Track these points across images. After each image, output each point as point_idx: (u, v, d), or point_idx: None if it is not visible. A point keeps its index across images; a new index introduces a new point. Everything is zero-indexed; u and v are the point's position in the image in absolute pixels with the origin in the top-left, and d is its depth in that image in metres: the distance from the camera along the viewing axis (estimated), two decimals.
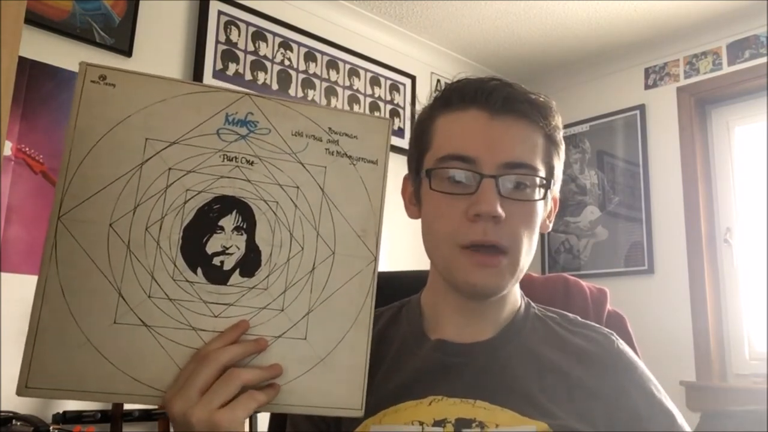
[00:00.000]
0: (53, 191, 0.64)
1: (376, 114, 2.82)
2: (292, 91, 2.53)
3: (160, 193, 0.64)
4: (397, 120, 2.90)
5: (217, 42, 2.32)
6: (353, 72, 2.76)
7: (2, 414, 1.59)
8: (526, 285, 0.91)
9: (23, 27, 0.53)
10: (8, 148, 1.79)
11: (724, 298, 2.72)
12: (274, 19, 2.50)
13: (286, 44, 2.54)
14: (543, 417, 0.70)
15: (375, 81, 2.84)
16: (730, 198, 2.77)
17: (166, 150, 0.65)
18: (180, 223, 0.64)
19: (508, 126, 0.74)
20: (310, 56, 2.60)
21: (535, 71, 3.26)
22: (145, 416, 1.83)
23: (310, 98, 2.56)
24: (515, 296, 0.81)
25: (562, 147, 0.80)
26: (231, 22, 2.37)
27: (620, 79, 3.11)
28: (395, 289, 0.91)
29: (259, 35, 2.46)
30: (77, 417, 1.69)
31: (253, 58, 2.43)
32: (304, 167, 0.67)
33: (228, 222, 0.65)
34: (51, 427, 1.60)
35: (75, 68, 2.03)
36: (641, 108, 3.00)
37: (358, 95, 2.76)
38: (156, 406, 1.66)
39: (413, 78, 2.98)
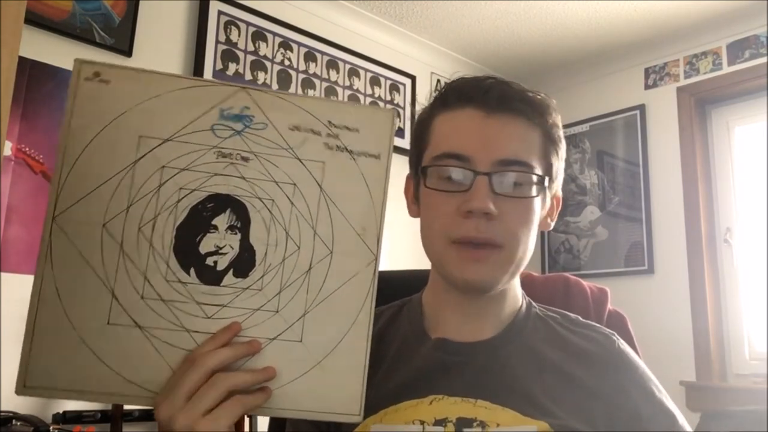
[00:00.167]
0: None
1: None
2: (292, 91, 2.53)
3: (152, 192, 0.63)
4: (397, 120, 2.89)
5: (217, 42, 2.32)
6: (353, 72, 2.76)
7: (2, 414, 1.59)
8: (527, 285, 0.91)
9: (23, 27, 0.53)
10: (8, 148, 1.79)
11: (724, 298, 2.72)
12: (274, 19, 2.50)
13: (286, 44, 2.54)
14: (544, 416, 0.70)
15: (375, 81, 2.84)
16: (730, 198, 2.77)
17: (159, 147, 0.63)
18: (173, 223, 0.63)
19: (503, 124, 0.74)
20: (310, 56, 2.60)
21: (535, 71, 3.26)
22: (145, 416, 1.83)
23: None
24: (515, 295, 0.81)
25: (562, 145, 0.79)
26: (231, 22, 2.37)
27: (620, 79, 3.11)
28: (395, 289, 0.91)
29: (259, 35, 2.46)
30: (77, 417, 1.69)
31: (253, 58, 2.43)
32: (302, 163, 0.65)
33: (222, 221, 0.63)
34: (51, 427, 1.60)
35: None
36: (641, 108, 3.00)
37: (358, 95, 2.76)
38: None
39: (413, 78, 2.98)
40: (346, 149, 0.65)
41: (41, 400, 1.75)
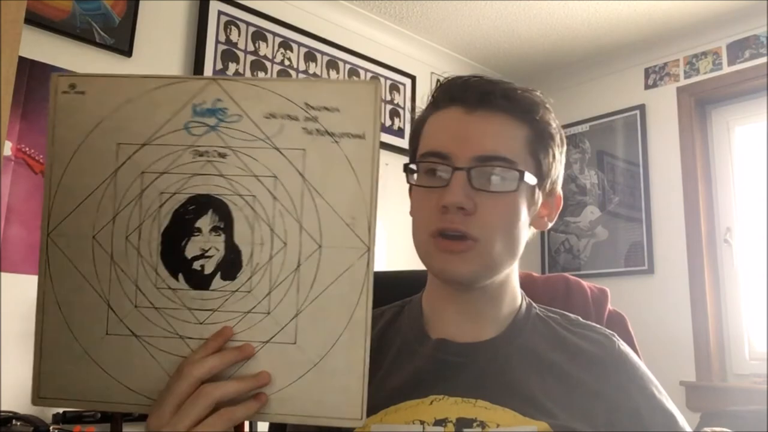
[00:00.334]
0: None
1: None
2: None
3: (135, 200, 0.62)
4: (397, 120, 2.90)
5: (217, 42, 2.32)
6: (353, 72, 2.76)
7: (2, 414, 1.59)
8: (527, 285, 0.91)
9: (23, 27, 0.53)
10: (8, 148, 1.79)
11: (724, 298, 2.72)
12: (274, 19, 2.50)
13: (286, 44, 2.54)
14: (544, 417, 0.70)
15: None
16: (730, 198, 2.77)
17: (137, 153, 0.62)
18: (157, 229, 0.61)
19: (483, 121, 0.74)
20: (310, 56, 2.60)
21: (535, 71, 3.26)
22: (145, 416, 1.83)
23: None
24: (514, 295, 0.81)
25: (555, 142, 0.79)
26: (231, 22, 2.37)
27: (620, 79, 3.11)
28: (396, 289, 0.91)
29: (259, 35, 2.46)
30: (77, 417, 1.69)
31: (253, 58, 2.43)
32: (281, 153, 0.60)
33: (204, 223, 0.61)
34: (51, 427, 1.61)
35: (75, 68, 2.03)
36: (641, 108, 3.00)
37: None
38: None
39: (413, 78, 2.98)
40: (327, 132, 0.60)
41: None
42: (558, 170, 0.81)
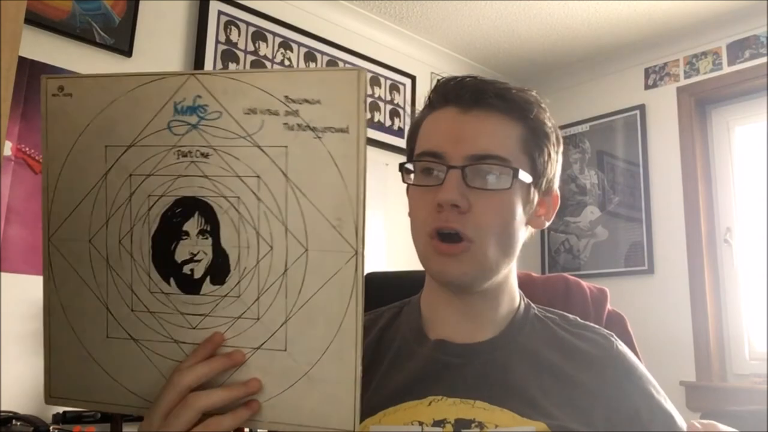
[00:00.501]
0: None
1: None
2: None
3: (125, 203, 0.61)
4: (397, 120, 2.90)
5: (217, 42, 2.32)
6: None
7: (2, 414, 1.59)
8: (527, 285, 0.91)
9: (23, 27, 0.53)
10: (8, 148, 1.79)
11: (724, 298, 2.72)
12: (274, 19, 2.50)
13: (286, 44, 2.54)
14: (542, 417, 0.70)
15: (375, 81, 2.84)
16: (730, 198, 2.77)
17: (124, 155, 0.60)
18: (148, 232, 0.60)
19: (477, 120, 0.75)
20: (310, 56, 2.60)
21: (535, 71, 3.26)
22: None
23: None
24: (512, 295, 0.81)
25: (551, 141, 0.79)
26: (231, 22, 2.37)
27: (620, 79, 3.10)
28: (396, 290, 0.91)
29: (259, 35, 2.46)
30: (77, 417, 1.69)
31: (253, 58, 2.43)
32: (263, 151, 0.57)
33: (192, 226, 0.59)
34: (51, 427, 1.61)
35: (75, 68, 2.02)
36: (641, 108, 3.00)
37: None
38: None
39: (413, 78, 2.98)
40: (309, 127, 0.56)
41: (41, 400, 1.75)
42: (554, 169, 0.81)
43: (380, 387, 0.75)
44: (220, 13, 2.34)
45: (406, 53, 2.98)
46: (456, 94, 0.76)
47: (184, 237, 0.60)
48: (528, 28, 2.86)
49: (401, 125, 2.90)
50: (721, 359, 2.67)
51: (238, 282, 0.58)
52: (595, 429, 0.71)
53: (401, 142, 2.83)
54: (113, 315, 0.62)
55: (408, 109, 2.90)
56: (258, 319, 0.58)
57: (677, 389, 2.61)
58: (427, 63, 3.06)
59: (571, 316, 0.83)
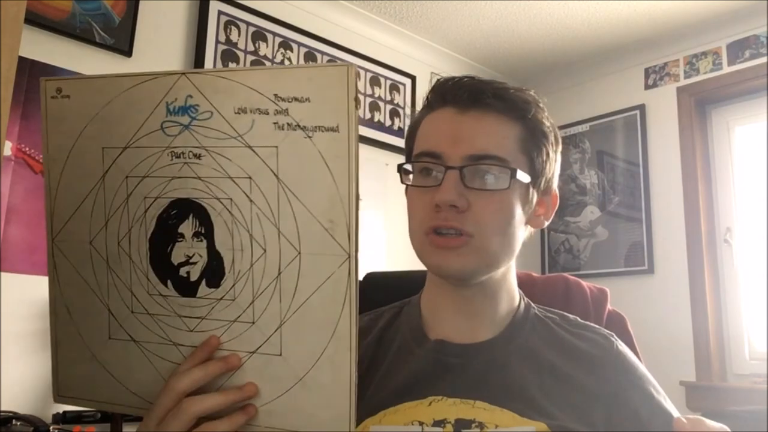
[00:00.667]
0: None
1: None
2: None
3: (123, 204, 0.60)
4: (397, 120, 2.90)
5: (217, 42, 2.32)
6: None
7: (2, 414, 1.59)
8: (527, 285, 0.91)
9: (23, 27, 0.53)
10: (8, 148, 1.79)
11: (724, 298, 2.72)
12: (274, 19, 2.50)
13: (286, 44, 2.54)
14: (542, 418, 0.70)
15: (375, 81, 2.84)
16: (730, 198, 2.77)
17: (120, 157, 0.60)
18: (145, 234, 0.60)
19: (474, 120, 0.75)
20: (310, 56, 2.60)
21: (535, 71, 3.26)
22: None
23: None
24: (511, 294, 0.81)
25: (549, 141, 0.79)
26: (231, 22, 2.37)
27: (620, 79, 3.10)
28: (396, 289, 0.91)
29: (259, 35, 2.46)
30: (77, 417, 1.69)
31: (253, 58, 2.43)
32: (254, 151, 0.56)
33: (187, 228, 0.59)
34: (51, 427, 1.60)
35: (75, 68, 2.02)
36: (641, 108, 3.00)
37: (358, 95, 2.76)
38: None
39: (413, 78, 2.98)
40: (299, 126, 0.54)
41: (41, 400, 1.75)
42: (553, 168, 0.81)
43: (380, 387, 0.75)
44: (220, 13, 2.34)
45: (406, 53, 2.98)
46: (454, 94, 0.77)
47: (179, 239, 0.59)
48: (528, 28, 2.86)
49: (401, 125, 2.90)
50: (721, 359, 2.67)
51: (233, 285, 0.58)
52: (595, 429, 0.71)
53: (401, 142, 2.82)
54: (114, 316, 0.62)
55: (408, 109, 2.90)
56: (253, 323, 0.57)
57: (677, 389, 2.61)
58: (427, 63, 3.06)
59: (571, 316, 0.83)
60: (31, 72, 1.85)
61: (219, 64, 2.31)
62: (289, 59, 2.53)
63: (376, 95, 2.84)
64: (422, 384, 0.74)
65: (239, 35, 2.40)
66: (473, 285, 0.76)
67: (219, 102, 0.57)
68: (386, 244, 2.72)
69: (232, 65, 2.35)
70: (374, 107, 2.82)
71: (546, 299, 0.89)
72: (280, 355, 0.57)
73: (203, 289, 0.59)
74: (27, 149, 1.84)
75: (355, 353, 0.55)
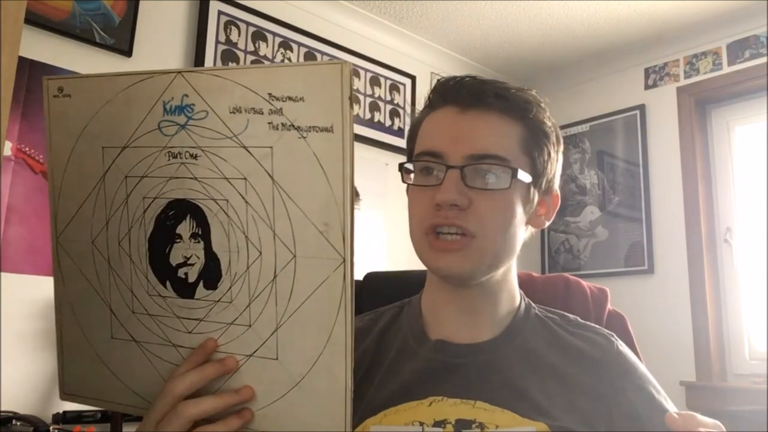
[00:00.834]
0: None
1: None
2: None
3: (122, 205, 0.60)
4: (397, 120, 2.90)
5: (217, 42, 2.32)
6: (353, 72, 2.75)
7: (2, 414, 1.59)
8: (527, 284, 0.91)
9: (23, 27, 0.53)
10: (8, 148, 1.79)
11: (724, 298, 2.72)
12: (274, 19, 2.50)
13: (286, 44, 2.54)
14: (543, 418, 0.70)
15: (375, 81, 2.84)
16: (730, 198, 2.77)
17: (120, 157, 0.60)
18: (144, 235, 0.60)
19: (476, 119, 0.75)
20: (310, 56, 2.60)
21: (535, 71, 3.26)
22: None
23: None
24: (512, 294, 0.81)
25: (551, 140, 0.79)
26: (231, 22, 2.37)
27: (620, 79, 3.10)
28: (395, 289, 0.91)
29: (259, 35, 2.46)
30: (77, 417, 1.69)
31: (253, 58, 2.43)
32: (248, 152, 0.55)
33: (184, 229, 0.58)
34: (51, 427, 1.61)
35: (75, 68, 2.02)
36: (641, 108, 3.00)
37: (358, 95, 2.76)
38: None
39: (413, 78, 2.98)
40: (293, 126, 0.53)
41: (41, 400, 1.75)
42: (554, 168, 0.81)
43: (381, 387, 0.75)
44: (220, 13, 2.34)
45: (406, 53, 2.98)
46: (455, 93, 0.76)
47: (177, 240, 0.59)
48: (528, 28, 2.86)
49: (401, 125, 2.90)
50: (721, 359, 2.67)
51: (230, 287, 0.57)
52: (595, 429, 0.71)
53: (401, 142, 2.83)
54: (116, 316, 0.62)
55: (408, 108, 2.90)
56: (250, 325, 0.57)
57: (677, 389, 2.61)
58: (427, 63, 3.06)
59: (571, 316, 0.83)
60: (31, 72, 1.85)
61: (219, 64, 2.31)
62: (289, 59, 2.53)
63: (376, 95, 2.84)
64: (423, 384, 0.74)
65: (239, 35, 2.39)
66: (474, 285, 0.76)
67: (214, 101, 0.56)
68: (386, 244, 2.72)
69: (232, 65, 2.34)
70: (374, 107, 2.82)
71: (546, 299, 0.89)
72: (277, 359, 0.56)
73: (201, 290, 0.58)
74: (27, 149, 1.84)
75: (351, 359, 0.54)
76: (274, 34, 2.50)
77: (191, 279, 0.59)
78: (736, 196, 2.76)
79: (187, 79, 0.57)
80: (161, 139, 0.58)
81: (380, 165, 2.75)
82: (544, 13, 2.72)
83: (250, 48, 2.42)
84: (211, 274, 0.58)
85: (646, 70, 3.02)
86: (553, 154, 0.80)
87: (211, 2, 2.31)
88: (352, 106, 0.52)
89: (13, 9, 0.52)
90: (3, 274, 1.74)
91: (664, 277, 2.82)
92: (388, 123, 2.86)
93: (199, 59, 2.26)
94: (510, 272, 0.80)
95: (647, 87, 3.01)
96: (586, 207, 3.14)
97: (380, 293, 0.97)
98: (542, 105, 0.79)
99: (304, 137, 0.53)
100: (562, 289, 0.96)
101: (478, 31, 2.90)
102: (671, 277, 2.79)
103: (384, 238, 2.73)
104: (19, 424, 1.59)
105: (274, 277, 0.55)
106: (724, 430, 0.63)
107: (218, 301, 0.58)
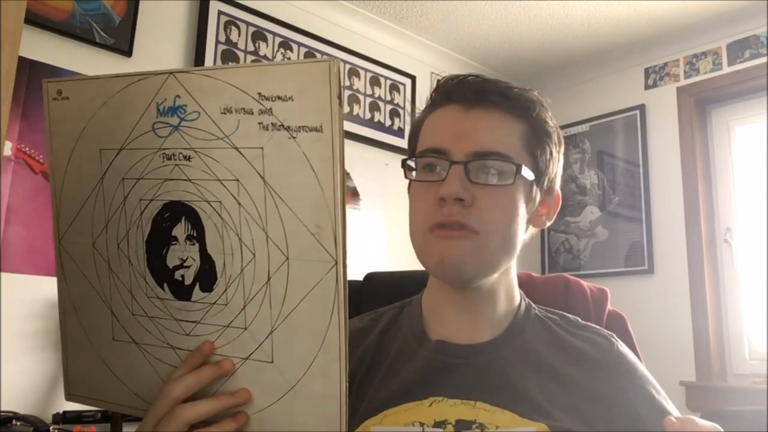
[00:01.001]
0: None
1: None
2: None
3: (120, 207, 0.60)
4: (397, 120, 2.90)
5: (217, 42, 2.32)
6: (353, 72, 2.75)
7: (2, 414, 1.59)
8: (527, 285, 0.91)
9: (23, 27, 0.53)
10: (8, 148, 1.79)
11: (724, 298, 2.72)
12: (274, 19, 2.50)
13: (286, 44, 2.53)
14: (543, 418, 0.70)
15: (375, 81, 2.83)
16: (730, 198, 2.77)
17: (116, 159, 0.60)
18: (142, 237, 0.60)
19: (479, 117, 0.75)
20: (310, 56, 2.60)
21: (535, 71, 3.26)
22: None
23: None
24: (512, 294, 0.81)
25: (553, 140, 0.80)
26: (231, 22, 2.37)
27: (620, 79, 3.10)
28: (395, 289, 0.91)
29: (259, 35, 2.46)
30: (77, 417, 1.69)
31: (253, 58, 2.43)
32: (240, 153, 0.54)
33: (180, 231, 0.58)
34: (51, 427, 1.60)
35: (75, 68, 2.02)
36: (641, 108, 3.00)
37: (358, 95, 2.76)
38: None
39: (413, 78, 2.98)
40: (283, 126, 0.52)
41: (41, 400, 1.75)
42: (556, 168, 0.81)
43: (381, 387, 0.75)
44: (220, 13, 2.34)
45: (406, 53, 2.98)
46: (459, 92, 0.77)
47: (173, 242, 0.59)
48: (528, 28, 2.86)
49: (401, 125, 2.90)
50: (721, 359, 2.67)
51: (225, 290, 0.57)
52: (595, 430, 0.71)
53: (401, 142, 2.82)
54: (117, 318, 0.62)
55: (408, 105, 2.90)
56: (245, 328, 0.57)
57: (677, 389, 2.61)
58: (427, 63, 3.06)
59: (571, 316, 0.83)
60: (31, 72, 1.85)
61: (219, 64, 2.31)
62: (289, 59, 2.53)
63: (376, 95, 2.84)
64: (423, 384, 0.74)
65: (239, 35, 2.39)
66: (474, 286, 0.76)
67: (205, 102, 0.55)
68: (386, 244, 2.72)
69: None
70: (374, 107, 2.82)
71: (546, 299, 0.89)
72: (272, 362, 0.56)
73: (197, 293, 0.59)
74: (27, 149, 1.84)
75: (345, 362, 0.54)
76: (274, 34, 2.50)
77: (187, 281, 0.59)
78: (736, 196, 2.76)
79: (179, 80, 0.56)
80: (155, 140, 0.58)
81: (380, 165, 2.75)
82: (544, 13, 2.72)
83: (250, 48, 2.42)
84: (207, 276, 0.58)
85: (646, 70, 3.02)
86: (555, 154, 0.80)
87: (211, 2, 2.31)
88: (341, 105, 0.51)
89: (13, 9, 0.52)
90: (3, 274, 1.74)
91: (664, 277, 2.82)
92: (388, 123, 2.86)
93: (199, 59, 2.26)
94: (510, 272, 0.80)
95: (647, 87, 3.01)
96: (586, 207, 3.14)
97: (380, 293, 0.97)
98: (544, 105, 0.79)
99: (294, 137, 0.52)
100: (562, 290, 0.96)
101: (478, 31, 2.90)
102: (671, 277, 2.79)
103: (384, 238, 2.73)
104: (19, 424, 1.59)
105: (268, 279, 0.55)
106: None
107: (214, 303, 0.58)
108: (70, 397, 0.66)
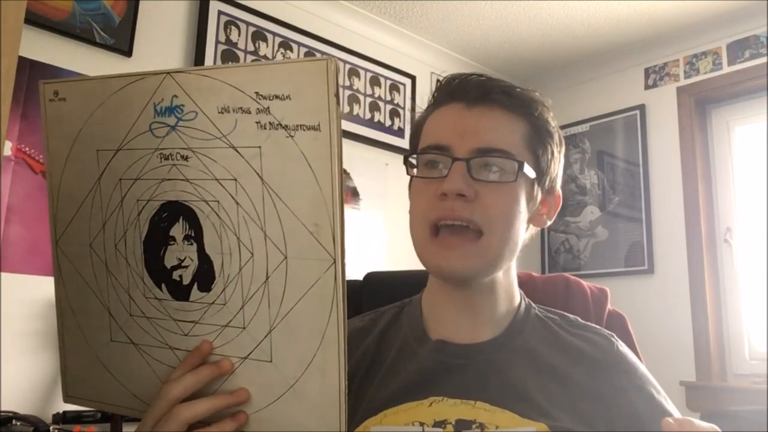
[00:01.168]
0: None
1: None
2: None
3: (117, 207, 0.60)
4: (397, 120, 2.90)
5: (217, 42, 2.32)
6: (353, 72, 2.75)
7: (2, 414, 1.59)
8: (527, 284, 0.91)
9: (23, 27, 0.53)
10: (8, 148, 1.79)
11: (724, 298, 2.72)
12: (274, 19, 2.50)
13: (286, 44, 2.54)
14: (543, 418, 0.70)
15: (375, 81, 2.83)
16: (730, 198, 2.77)
17: (114, 159, 0.60)
18: (139, 237, 0.60)
19: (482, 114, 0.75)
20: (309, 56, 2.60)
21: (535, 71, 3.26)
22: None
23: None
24: (512, 293, 0.81)
25: (554, 140, 0.80)
26: (231, 22, 2.37)
27: (620, 79, 3.10)
28: (395, 289, 0.91)
29: (259, 35, 2.46)
30: (77, 417, 1.69)
31: (253, 58, 2.43)
32: (238, 152, 0.54)
33: (178, 231, 0.58)
34: (51, 427, 1.60)
35: (75, 68, 2.02)
36: (641, 108, 3.00)
37: (358, 95, 2.76)
38: None
39: (413, 78, 2.98)
40: (281, 125, 0.52)
41: (41, 400, 1.75)
42: (557, 168, 0.81)
43: (381, 387, 0.75)
44: (220, 13, 2.34)
45: (406, 53, 2.98)
46: (461, 90, 0.77)
47: (171, 242, 0.59)
48: (528, 28, 2.86)
49: (401, 125, 2.90)
50: (721, 359, 2.67)
51: (223, 289, 0.57)
52: (595, 430, 0.71)
53: (401, 142, 2.82)
54: (115, 319, 0.62)
55: (408, 105, 2.90)
56: (244, 328, 0.57)
57: (677, 389, 2.61)
58: (427, 63, 3.06)
59: (571, 316, 0.83)
60: (31, 72, 1.85)
61: (219, 64, 2.31)
62: (289, 59, 2.53)
63: (376, 95, 2.84)
64: (423, 384, 0.74)
65: (239, 35, 2.39)
66: (474, 285, 0.76)
67: (203, 101, 0.55)
68: (386, 244, 2.72)
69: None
70: (374, 107, 2.82)
71: (546, 299, 0.89)
72: (271, 361, 0.56)
73: (195, 293, 0.58)
74: (27, 149, 1.84)
75: (344, 361, 0.54)
76: (274, 34, 2.50)
77: (185, 281, 0.59)
78: (736, 196, 2.76)
79: (176, 80, 0.56)
80: (153, 140, 0.58)
81: (380, 165, 2.75)
82: (544, 13, 2.72)
83: (250, 48, 2.42)
84: (205, 276, 0.58)
85: (646, 70, 3.02)
86: (556, 154, 0.80)
87: (211, 2, 2.31)
88: (338, 103, 0.51)
89: (13, 9, 0.52)
90: (3, 274, 1.74)
91: (664, 277, 2.82)
92: (388, 123, 2.86)
93: (199, 59, 2.26)
94: (510, 272, 0.80)
95: (647, 87, 3.01)
96: (586, 207, 3.14)
97: (380, 293, 0.97)
98: (546, 105, 0.80)
99: (292, 136, 0.52)
100: (562, 289, 0.96)
101: (478, 31, 2.90)
102: (671, 277, 2.79)
103: (384, 238, 2.73)
104: (19, 424, 1.59)
105: (267, 278, 0.55)
106: None
107: (212, 303, 0.58)
108: (68, 398, 0.66)
